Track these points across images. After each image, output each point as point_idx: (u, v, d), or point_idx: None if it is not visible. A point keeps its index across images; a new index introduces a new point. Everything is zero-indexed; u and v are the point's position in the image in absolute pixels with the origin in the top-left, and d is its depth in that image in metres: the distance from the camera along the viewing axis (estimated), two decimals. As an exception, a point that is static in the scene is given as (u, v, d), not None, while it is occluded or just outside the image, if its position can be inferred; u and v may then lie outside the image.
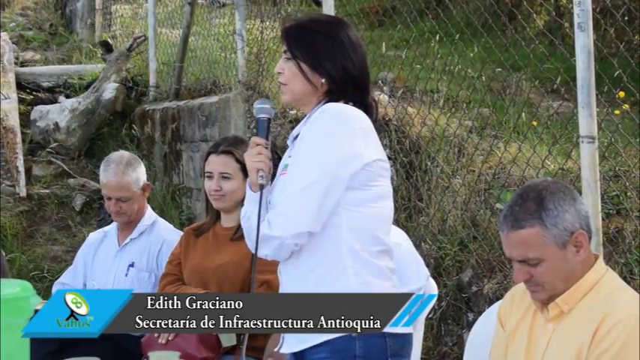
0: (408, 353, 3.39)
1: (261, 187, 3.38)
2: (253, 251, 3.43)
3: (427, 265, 3.92)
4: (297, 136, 3.43)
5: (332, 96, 3.42)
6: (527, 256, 3.14)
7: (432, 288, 4.02)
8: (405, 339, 3.36)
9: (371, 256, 3.31)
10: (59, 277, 5.57)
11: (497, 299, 4.75)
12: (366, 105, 3.43)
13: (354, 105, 3.40)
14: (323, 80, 3.41)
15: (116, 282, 5.12)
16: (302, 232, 3.27)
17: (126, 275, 5.12)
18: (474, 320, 4.59)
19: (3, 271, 5.19)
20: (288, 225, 3.28)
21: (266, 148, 3.41)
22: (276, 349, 3.46)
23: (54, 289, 5.34)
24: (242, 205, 4.56)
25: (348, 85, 3.42)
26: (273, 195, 3.40)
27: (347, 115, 3.35)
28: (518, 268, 3.18)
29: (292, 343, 3.35)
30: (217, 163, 4.67)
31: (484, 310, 4.42)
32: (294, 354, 3.36)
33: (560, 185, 3.24)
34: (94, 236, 5.40)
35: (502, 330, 3.37)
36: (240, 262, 4.52)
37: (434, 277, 4.00)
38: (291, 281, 3.37)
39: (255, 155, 3.40)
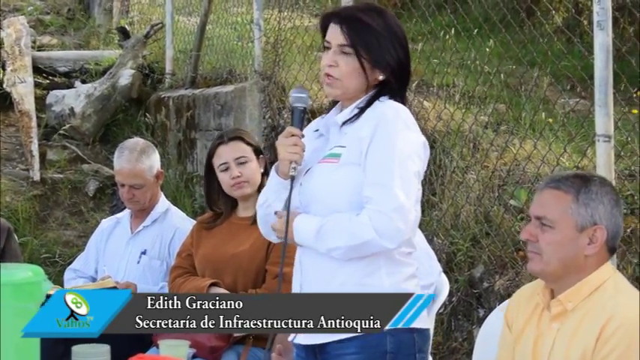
0: (428, 349, 3.40)
1: (292, 177, 3.33)
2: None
3: (439, 260, 3.91)
4: (343, 124, 3.35)
5: (384, 89, 3.35)
6: (544, 215, 3.18)
7: (444, 283, 4.01)
8: (428, 335, 3.38)
9: (401, 256, 3.29)
10: (71, 262, 5.59)
11: (509, 296, 4.74)
12: (403, 98, 3.39)
13: (401, 100, 3.36)
14: (381, 76, 3.34)
15: (128, 269, 5.13)
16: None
17: (138, 262, 5.13)
18: (485, 316, 4.58)
19: (15, 255, 5.20)
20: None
21: (301, 138, 3.35)
22: (289, 339, 3.44)
23: (66, 275, 5.36)
24: (259, 191, 4.59)
25: (404, 78, 3.37)
26: (312, 184, 3.32)
27: (408, 116, 3.30)
28: (530, 225, 3.22)
29: (312, 335, 3.27)
30: (230, 151, 4.66)
31: (495, 307, 4.41)
32: (312, 346, 3.32)
33: (613, 187, 3.29)
34: (106, 223, 5.41)
35: (509, 332, 3.37)
36: (256, 252, 4.52)
37: (445, 273, 3.99)
38: (321, 274, 3.30)
39: (291, 146, 3.33)
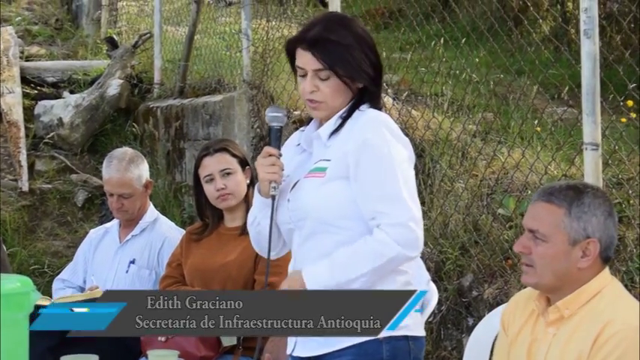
0: (422, 357, 3.41)
1: (273, 197, 3.32)
2: (264, 255, 3.43)
3: (428, 269, 3.89)
4: (329, 136, 3.34)
5: (363, 96, 3.35)
6: (537, 228, 3.17)
7: (433, 292, 4.01)
8: (423, 342, 3.40)
9: None
10: (60, 272, 5.57)
11: (498, 304, 4.75)
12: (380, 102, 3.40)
13: (379, 104, 3.37)
14: (361, 84, 3.34)
15: (116, 278, 5.12)
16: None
17: (126, 272, 5.13)
18: (474, 325, 4.59)
19: (3, 265, 5.19)
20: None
21: (278, 158, 3.34)
22: (288, 352, 3.43)
23: (54, 285, 5.35)
24: (245, 202, 4.60)
25: (379, 81, 3.38)
26: (301, 199, 3.32)
27: (390, 123, 3.31)
28: (524, 238, 3.22)
29: (310, 346, 3.30)
30: (214, 163, 4.65)
31: (484, 315, 4.41)
32: (309, 358, 3.32)
33: (607, 197, 3.25)
34: (95, 232, 5.40)
35: (505, 335, 3.38)
36: (245, 261, 4.52)
37: (434, 281, 3.98)
38: (319, 281, 3.27)
39: (269, 166, 3.31)
